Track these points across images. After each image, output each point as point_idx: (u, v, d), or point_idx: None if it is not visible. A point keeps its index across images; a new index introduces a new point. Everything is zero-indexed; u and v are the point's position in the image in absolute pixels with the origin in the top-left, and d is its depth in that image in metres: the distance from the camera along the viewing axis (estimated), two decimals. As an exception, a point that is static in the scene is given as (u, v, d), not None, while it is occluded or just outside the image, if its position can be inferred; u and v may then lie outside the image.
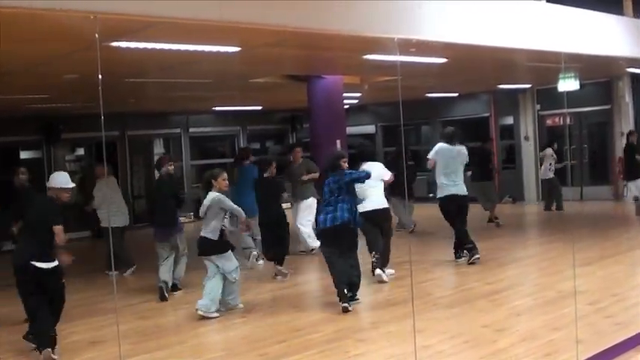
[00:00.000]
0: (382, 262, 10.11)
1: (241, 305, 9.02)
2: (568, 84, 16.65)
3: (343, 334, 7.63)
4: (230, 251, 8.84)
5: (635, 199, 15.53)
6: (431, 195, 15.47)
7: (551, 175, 17.52)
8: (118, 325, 7.32)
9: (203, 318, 8.53)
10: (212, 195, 8.78)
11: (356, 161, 9.98)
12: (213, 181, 8.86)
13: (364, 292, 9.16)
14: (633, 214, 15.62)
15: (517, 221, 17.57)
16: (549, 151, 17.67)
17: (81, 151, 20.65)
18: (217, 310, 8.69)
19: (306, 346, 7.24)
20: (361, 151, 11.20)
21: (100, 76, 4.92)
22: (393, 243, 10.43)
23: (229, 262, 8.77)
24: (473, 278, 10.29)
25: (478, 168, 15.26)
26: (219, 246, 8.80)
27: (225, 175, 9.03)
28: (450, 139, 11.44)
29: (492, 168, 16.63)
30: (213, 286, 8.69)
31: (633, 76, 18.05)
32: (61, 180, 7.49)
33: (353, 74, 14.56)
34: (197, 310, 8.61)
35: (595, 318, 7.61)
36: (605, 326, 7.30)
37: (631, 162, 15.61)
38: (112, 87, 12.35)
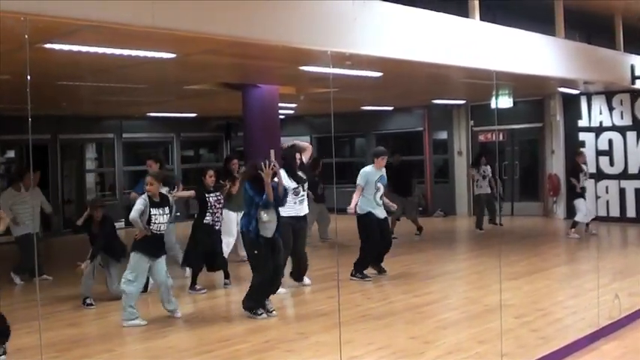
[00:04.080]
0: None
1: (170, 312, 8.96)
2: (501, 101, 16.92)
3: (271, 345, 7.59)
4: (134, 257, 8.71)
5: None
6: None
7: (487, 190, 17.20)
8: (40, 332, 7.15)
9: (130, 326, 8.48)
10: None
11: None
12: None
13: (294, 303, 9.14)
14: (561, 230, 15.86)
15: (447, 235, 17.78)
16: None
17: (12, 154, 20.23)
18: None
19: (234, 356, 7.19)
20: None
21: (28, 77, 4.83)
22: (323, 254, 10.45)
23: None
24: (401, 290, 10.37)
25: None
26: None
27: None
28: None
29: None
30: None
31: (565, 95, 18.41)
32: None
33: (289, 85, 14.57)
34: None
35: (520, 332, 7.72)
36: (529, 340, 7.40)
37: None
38: (44, 89, 12.16)
